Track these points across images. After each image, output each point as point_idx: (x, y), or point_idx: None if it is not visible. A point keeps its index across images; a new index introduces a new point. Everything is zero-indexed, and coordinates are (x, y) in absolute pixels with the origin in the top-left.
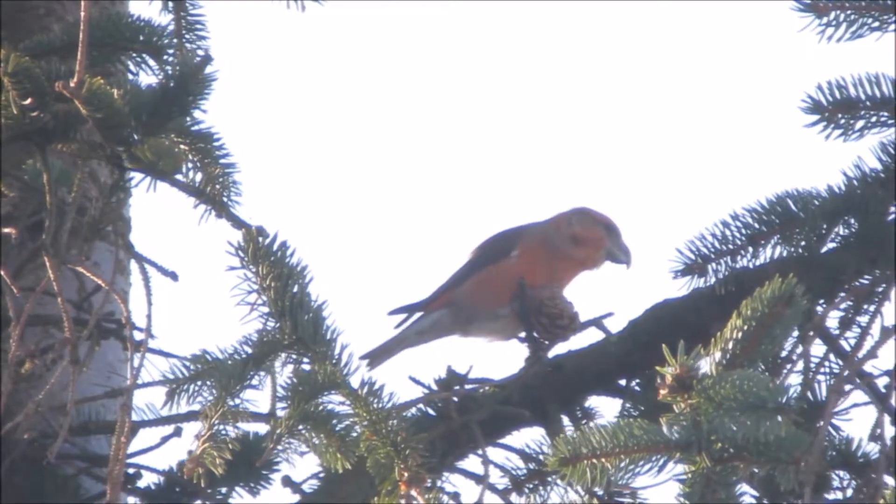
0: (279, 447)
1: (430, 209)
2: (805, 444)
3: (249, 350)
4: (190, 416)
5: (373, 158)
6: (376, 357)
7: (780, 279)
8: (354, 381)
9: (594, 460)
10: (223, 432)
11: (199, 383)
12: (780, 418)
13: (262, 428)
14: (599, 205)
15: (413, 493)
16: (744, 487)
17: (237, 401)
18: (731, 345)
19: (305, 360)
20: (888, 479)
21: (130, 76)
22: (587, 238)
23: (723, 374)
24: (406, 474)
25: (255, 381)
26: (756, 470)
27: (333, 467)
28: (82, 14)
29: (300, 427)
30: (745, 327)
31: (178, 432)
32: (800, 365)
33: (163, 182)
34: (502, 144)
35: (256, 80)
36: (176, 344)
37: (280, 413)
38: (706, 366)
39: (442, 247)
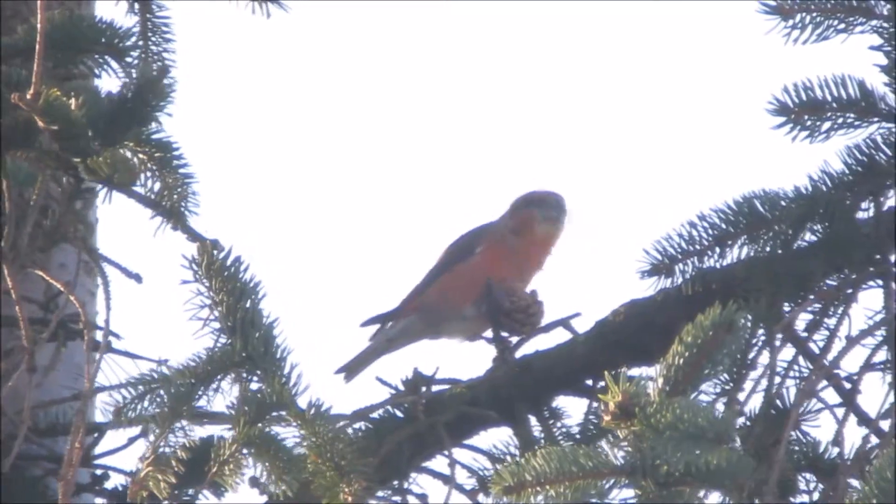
0: (225, 471)
1: (395, 217)
2: (749, 469)
3: (198, 370)
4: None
5: (336, 168)
6: (351, 369)
7: (721, 306)
8: (302, 402)
9: (538, 488)
10: (168, 454)
11: (146, 403)
12: (721, 447)
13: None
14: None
15: None
16: None
17: (183, 423)
18: (673, 371)
19: (255, 378)
20: (854, 483)
21: (95, 79)
22: (521, 223)
23: (664, 402)
24: (350, 498)
25: (202, 402)
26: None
27: (276, 491)
28: (38, 24)
29: (244, 452)
30: (687, 353)
31: (145, 433)
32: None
33: (119, 193)
34: (465, 146)
35: (222, 85)
36: (146, 346)
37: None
38: (650, 390)
39: (409, 252)
